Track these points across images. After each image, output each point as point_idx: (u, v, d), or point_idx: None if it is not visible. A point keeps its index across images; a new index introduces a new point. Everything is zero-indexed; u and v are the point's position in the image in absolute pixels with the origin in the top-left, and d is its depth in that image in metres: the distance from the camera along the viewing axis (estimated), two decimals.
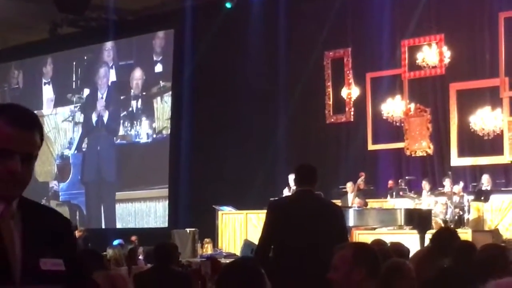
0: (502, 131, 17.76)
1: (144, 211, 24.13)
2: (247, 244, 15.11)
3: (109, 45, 25.65)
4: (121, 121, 25.33)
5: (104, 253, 12.84)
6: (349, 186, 17.09)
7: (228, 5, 20.13)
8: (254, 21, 20.97)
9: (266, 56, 21.03)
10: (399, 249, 7.09)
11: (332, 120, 20.60)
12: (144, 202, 24.12)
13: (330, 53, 20.68)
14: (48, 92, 27.64)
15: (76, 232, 18.15)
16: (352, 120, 20.31)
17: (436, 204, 16.27)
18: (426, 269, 5.71)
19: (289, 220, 5.63)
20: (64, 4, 20.65)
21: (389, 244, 7.38)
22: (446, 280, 5.43)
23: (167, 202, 23.33)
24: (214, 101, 21.70)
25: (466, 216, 16.15)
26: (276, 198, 5.45)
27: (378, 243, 7.36)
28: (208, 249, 18.19)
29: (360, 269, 3.71)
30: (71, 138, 26.60)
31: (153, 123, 24.38)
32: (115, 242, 17.15)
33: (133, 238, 19.10)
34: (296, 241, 5.52)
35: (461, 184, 16.91)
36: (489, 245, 5.20)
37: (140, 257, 14.55)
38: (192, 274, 8.38)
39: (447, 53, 18.62)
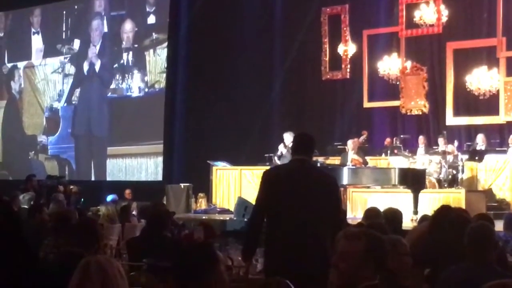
0: (498, 91, 18.30)
1: (135, 167, 24.22)
2: (241, 201, 15.40)
3: None
4: (113, 74, 25.24)
5: (98, 207, 13.45)
6: (350, 143, 17.06)
7: None
8: None
9: (263, 11, 21.33)
10: (394, 217, 7.42)
11: (328, 76, 20.98)
12: (135, 158, 24.19)
13: (327, 9, 20.99)
14: (37, 42, 27.48)
15: (71, 187, 18.62)
16: (348, 77, 20.72)
17: (431, 163, 16.64)
18: (423, 245, 5.88)
19: (283, 190, 5.74)
20: None
21: (382, 211, 7.64)
22: (438, 254, 5.65)
23: (158, 158, 23.42)
24: (210, 55, 21.92)
25: (460, 175, 16.52)
26: (271, 167, 5.48)
27: (374, 213, 7.67)
28: (202, 204, 18.63)
29: (369, 265, 3.75)
30: (60, 90, 26.50)
31: (145, 76, 24.38)
32: (109, 198, 17.64)
33: (127, 191, 19.54)
34: (289, 211, 5.64)
35: (456, 143, 17.42)
36: (479, 225, 5.35)
37: (134, 212, 14.66)
38: (185, 239, 8.57)
39: (445, 12, 19.00)
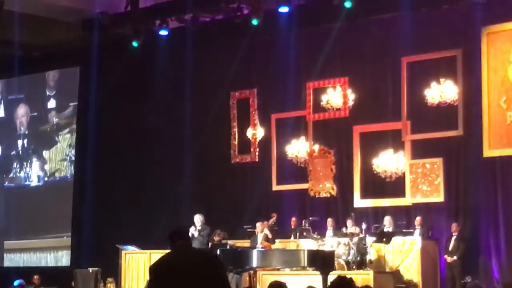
0: (403, 174, 20.01)
1: (35, 262, 24.60)
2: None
3: None
4: (10, 162, 25.78)
5: None
6: (259, 226, 18.52)
7: (134, 43, 21.34)
8: (160, 60, 22.59)
9: (173, 95, 22.93)
10: None
11: (237, 160, 22.73)
12: (35, 252, 24.69)
13: (236, 93, 22.84)
14: None
15: None
16: (257, 160, 22.44)
17: (339, 245, 18.15)
18: None
19: (172, 279, 5.96)
20: None
21: None
22: None
23: (59, 252, 24.03)
24: (119, 140, 23.37)
25: (368, 257, 18.08)
26: (157, 259, 6.27)
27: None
28: None
29: None
30: None
31: (44, 164, 25.13)
32: (16, 283, 18.54)
33: (35, 277, 20.54)
34: None
35: (364, 225, 18.90)
36: None
37: None
38: None
39: (351, 96, 20.89)
